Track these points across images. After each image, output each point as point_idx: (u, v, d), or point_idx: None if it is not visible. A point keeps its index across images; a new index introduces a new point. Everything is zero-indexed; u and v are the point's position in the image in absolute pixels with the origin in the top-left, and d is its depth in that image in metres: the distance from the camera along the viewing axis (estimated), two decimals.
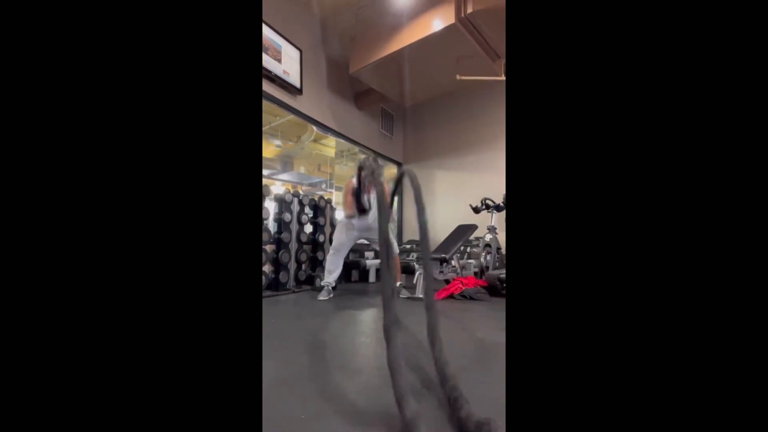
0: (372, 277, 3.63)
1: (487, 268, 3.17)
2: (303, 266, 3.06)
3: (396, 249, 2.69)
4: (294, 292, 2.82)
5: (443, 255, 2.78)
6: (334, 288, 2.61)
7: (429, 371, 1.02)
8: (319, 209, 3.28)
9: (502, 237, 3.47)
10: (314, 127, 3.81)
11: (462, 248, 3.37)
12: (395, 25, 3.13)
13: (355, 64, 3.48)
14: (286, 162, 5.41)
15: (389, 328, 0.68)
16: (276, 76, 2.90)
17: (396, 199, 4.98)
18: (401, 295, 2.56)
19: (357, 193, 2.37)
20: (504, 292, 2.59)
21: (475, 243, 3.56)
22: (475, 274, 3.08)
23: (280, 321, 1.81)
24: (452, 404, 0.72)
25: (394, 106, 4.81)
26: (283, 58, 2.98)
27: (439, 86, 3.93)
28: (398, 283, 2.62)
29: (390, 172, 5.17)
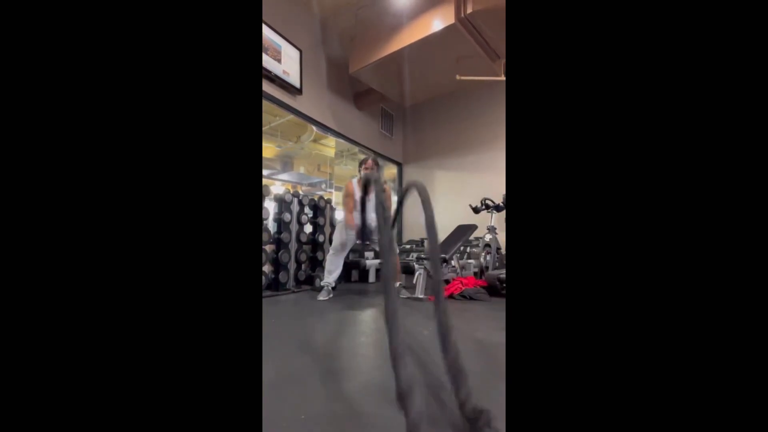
0: (372, 277, 3.63)
1: (487, 268, 3.17)
2: (303, 266, 3.06)
3: (396, 249, 2.70)
4: (294, 292, 2.82)
5: (443, 255, 2.78)
6: (334, 288, 2.61)
7: (431, 369, 1.02)
8: (319, 209, 3.28)
9: (501, 237, 3.48)
10: (314, 127, 3.81)
11: (462, 248, 3.37)
12: (395, 25, 3.13)
13: (354, 64, 3.48)
14: (286, 162, 5.42)
15: (391, 317, 0.63)
16: (276, 76, 2.90)
17: (396, 199, 4.98)
18: (401, 296, 2.56)
19: (362, 220, 2.35)
20: (504, 292, 2.59)
21: (474, 243, 3.56)
22: (475, 274, 3.08)
23: (280, 321, 1.81)
24: (460, 400, 0.72)
25: (394, 106, 4.81)
26: (282, 58, 2.98)
27: (439, 86, 3.94)
28: (398, 284, 2.62)
29: (390, 172, 5.17)
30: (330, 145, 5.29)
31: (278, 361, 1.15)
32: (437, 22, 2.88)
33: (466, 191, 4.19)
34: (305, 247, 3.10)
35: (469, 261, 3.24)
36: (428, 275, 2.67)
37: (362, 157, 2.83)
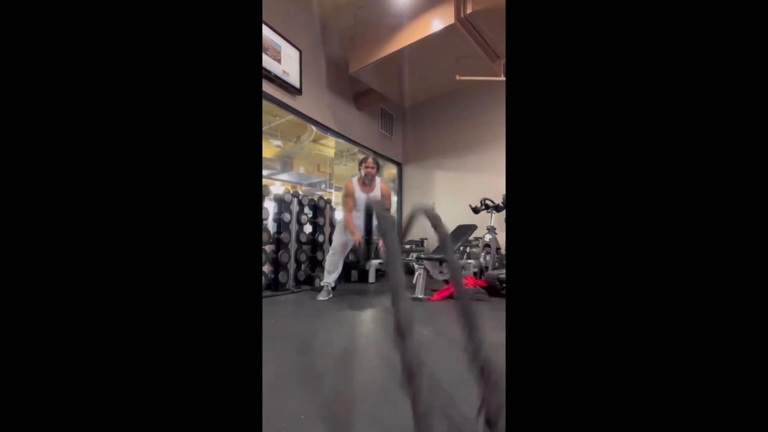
0: (372, 278, 3.63)
1: (487, 268, 3.17)
2: (302, 266, 3.06)
3: (400, 258, 2.68)
4: (293, 292, 2.82)
5: (442, 255, 2.78)
6: (333, 288, 2.61)
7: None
8: (319, 209, 3.28)
9: (501, 237, 3.48)
10: (314, 128, 3.82)
11: (461, 248, 3.37)
12: (395, 26, 3.14)
13: (354, 64, 3.48)
14: (286, 162, 5.42)
15: (404, 327, 0.53)
16: (275, 76, 2.90)
17: (396, 199, 4.98)
18: None
19: (366, 224, 2.32)
20: (503, 292, 2.59)
21: (474, 243, 3.57)
22: (475, 274, 3.09)
23: (280, 321, 1.81)
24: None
25: (394, 106, 4.82)
26: (282, 58, 2.98)
27: (439, 86, 3.94)
28: None
29: (389, 172, 5.17)
30: (330, 146, 5.29)
31: (278, 361, 1.15)
32: (437, 22, 2.89)
33: (465, 191, 4.19)
34: (305, 247, 3.10)
35: (469, 261, 3.24)
36: (428, 275, 2.67)
37: (362, 156, 2.83)
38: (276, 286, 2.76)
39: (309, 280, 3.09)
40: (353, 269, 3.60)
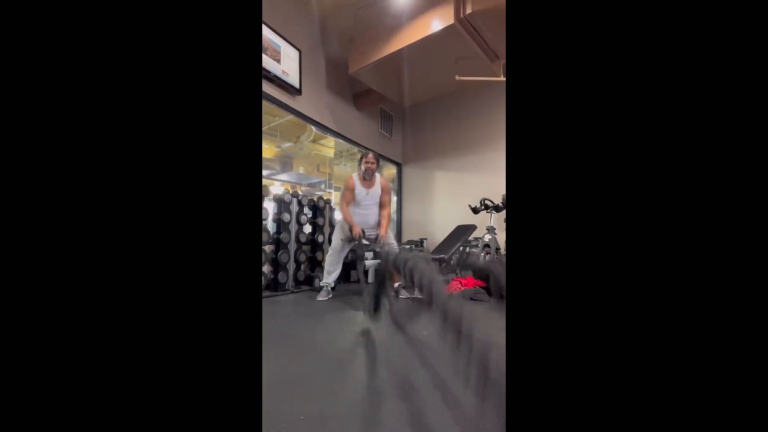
0: (371, 278, 3.62)
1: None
2: (302, 267, 3.06)
3: (396, 249, 2.70)
4: (293, 292, 2.82)
5: (442, 255, 2.78)
6: (333, 288, 2.61)
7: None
8: (318, 209, 3.27)
9: (501, 237, 3.48)
10: (313, 128, 3.81)
11: (461, 248, 3.38)
12: (394, 26, 3.14)
13: (354, 64, 3.48)
14: (285, 162, 5.41)
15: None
16: (275, 76, 2.90)
17: (396, 199, 4.99)
18: (401, 296, 2.56)
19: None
20: (503, 292, 2.59)
21: (474, 243, 3.57)
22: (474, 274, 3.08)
23: (279, 321, 1.81)
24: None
25: (394, 107, 4.81)
26: (282, 59, 2.97)
27: (439, 87, 3.94)
28: (397, 284, 2.62)
29: (389, 172, 5.17)
30: (329, 146, 5.29)
31: (277, 361, 1.15)
32: (436, 22, 2.88)
33: (465, 191, 4.19)
34: (304, 247, 3.10)
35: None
36: None
37: (360, 156, 2.84)
38: (275, 286, 2.75)
39: (308, 281, 3.08)
40: (353, 269, 3.59)
